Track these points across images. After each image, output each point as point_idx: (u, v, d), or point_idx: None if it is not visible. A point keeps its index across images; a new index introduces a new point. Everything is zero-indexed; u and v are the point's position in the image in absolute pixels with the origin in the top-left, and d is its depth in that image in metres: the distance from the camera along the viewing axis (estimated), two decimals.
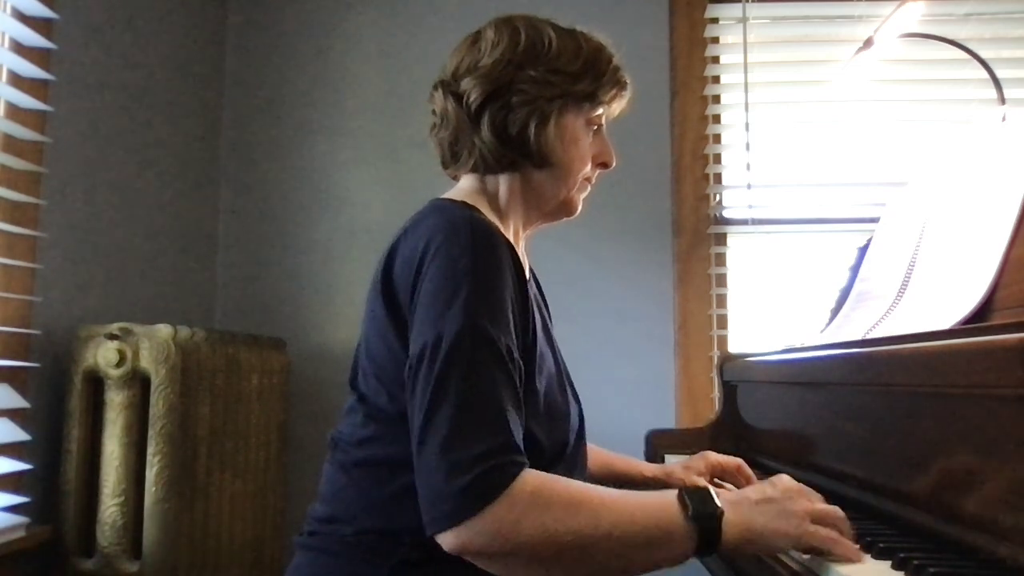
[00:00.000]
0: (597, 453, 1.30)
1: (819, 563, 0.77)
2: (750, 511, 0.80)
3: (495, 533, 0.76)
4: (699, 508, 0.78)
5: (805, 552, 0.80)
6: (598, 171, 1.11)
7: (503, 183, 1.05)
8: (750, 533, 0.79)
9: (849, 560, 0.76)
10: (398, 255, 0.92)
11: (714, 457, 1.25)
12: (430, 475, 0.77)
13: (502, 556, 0.78)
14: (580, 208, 1.11)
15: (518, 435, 0.81)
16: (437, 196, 1.02)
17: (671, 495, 0.80)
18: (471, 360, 0.80)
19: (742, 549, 0.79)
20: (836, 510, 0.81)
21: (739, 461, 1.24)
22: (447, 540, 0.77)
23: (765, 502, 0.81)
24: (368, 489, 0.92)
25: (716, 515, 0.78)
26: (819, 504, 0.81)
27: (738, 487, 1.14)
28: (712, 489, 0.81)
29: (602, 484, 1.21)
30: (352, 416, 0.97)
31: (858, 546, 0.79)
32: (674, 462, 1.27)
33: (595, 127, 1.08)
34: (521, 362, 0.87)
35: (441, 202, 0.98)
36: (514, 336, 0.86)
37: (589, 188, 1.10)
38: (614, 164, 1.11)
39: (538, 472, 0.80)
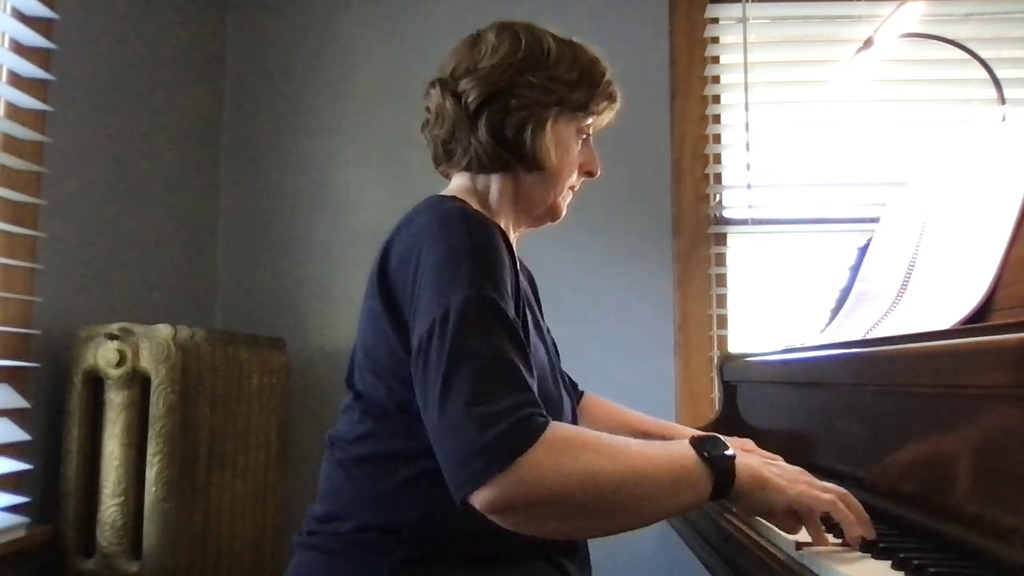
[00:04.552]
0: (631, 418, 1.33)
1: (818, 561, 0.77)
2: (759, 463, 0.86)
3: (535, 480, 0.75)
4: (713, 451, 0.83)
5: (794, 513, 0.83)
6: (583, 179, 1.14)
7: (494, 184, 1.07)
8: (758, 480, 0.83)
9: (846, 526, 0.80)
10: (393, 252, 0.93)
11: (751, 447, 1.22)
12: (457, 435, 0.76)
13: (541, 505, 0.77)
14: (564, 214, 1.14)
15: (536, 395, 0.82)
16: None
17: (684, 442, 0.84)
18: (481, 325, 0.81)
19: (747, 497, 0.83)
20: (837, 488, 0.84)
21: (779, 459, 1.21)
22: (482, 497, 0.75)
23: (773, 463, 0.88)
24: (366, 485, 0.93)
25: (730, 456, 0.82)
26: (820, 481, 0.86)
27: None
28: (721, 437, 0.86)
29: None
30: (349, 414, 0.98)
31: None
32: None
33: (584, 136, 1.11)
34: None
35: (433, 199, 0.99)
36: (513, 308, 0.87)
37: (572, 196, 1.14)
38: (599, 173, 1.14)
39: (563, 423, 0.81)
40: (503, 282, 0.86)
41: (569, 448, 0.77)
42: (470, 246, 0.86)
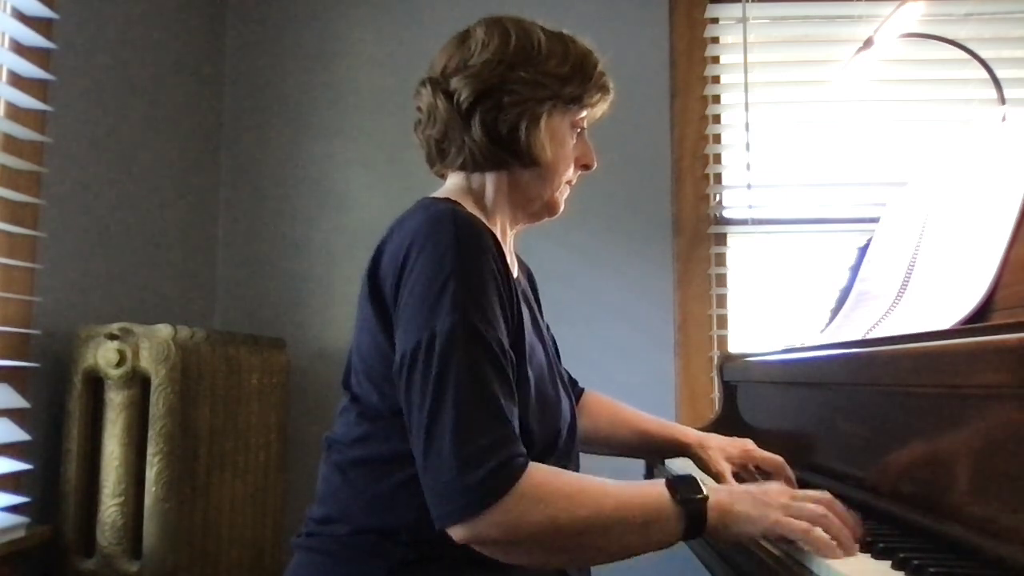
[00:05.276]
0: (631, 416, 1.33)
1: (818, 561, 0.77)
2: (730, 497, 0.86)
3: (505, 525, 0.80)
4: (686, 494, 0.84)
5: (778, 540, 0.83)
6: (579, 173, 1.13)
7: (489, 181, 1.06)
8: (727, 517, 0.84)
9: (822, 552, 0.78)
10: (384, 254, 0.93)
11: (751, 447, 1.24)
12: (439, 472, 0.80)
13: (510, 545, 0.82)
14: (562, 208, 1.13)
15: (517, 427, 0.85)
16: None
17: (661, 483, 0.86)
18: (466, 358, 0.83)
19: (721, 532, 0.85)
20: (816, 508, 0.82)
21: (780, 460, 1.20)
22: (457, 532, 0.81)
23: (745, 493, 0.87)
24: (363, 488, 0.93)
25: (701, 499, 0.84)
26: (799, 502, 0.83)
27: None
28: (697, 477, 0.87)
29: (633, 447, 1.32)
30: (345, 416, 0.98)
31: (856, 544, 0.80)
32: (714, 436, 1.27)
33: (578, 130, 1.10)
34: (512, 353, 0.89)
35: (426, 200, 0.99)
36: (503, 327, 0.88)
37: (569, 190, 1.13)
38: (595, 166, 1.13)
39: (540, 465, 0.84)
40: (489, 301, 0.87)
41: (540, 497, 0.81)
42: (458, 260, 0.86)
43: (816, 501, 0.83)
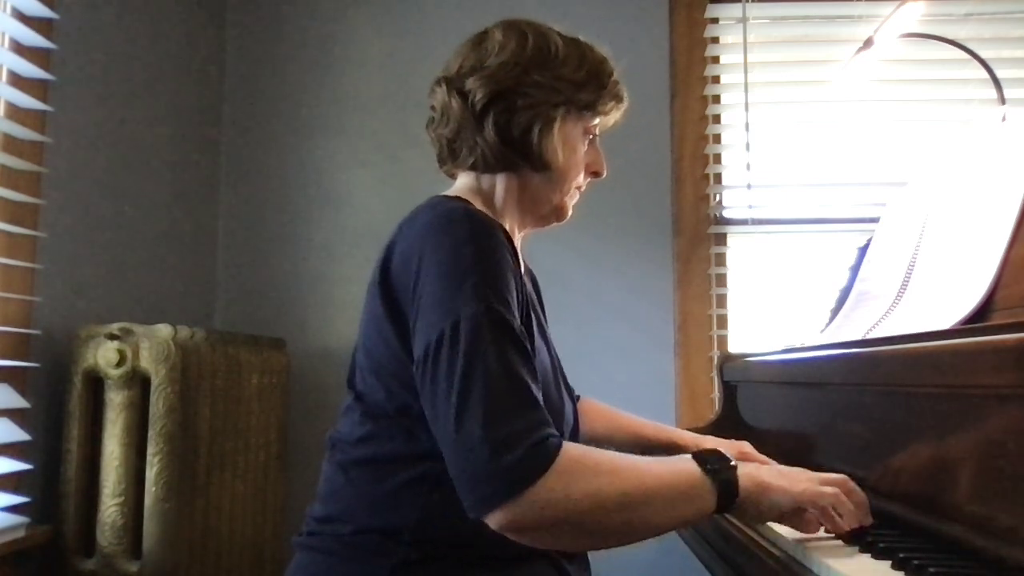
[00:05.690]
0: (627, 421, 1.35)
1: (818, 560, 0.77)
2: (758, 469, 0.87)
3: (546, 505, 0.77)
4: (715, 464, 0.84)
5: (808, 507, 0.84)
6: (589, 179, 1.13)
7: (499, 183, 1.06)
8: (760, 487, 0.84)
9: (847, 519, 0.83)
10: (395, 252, 0.93)
11: (748, 449, 1.26)
12: (472, 457, 0.77)
13: (553, 527, 0.80)
14: (570, 214, 1.13)
15: (544, 408, 0.83)
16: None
17: (687, 457, 0.86)
18: (492, 341, 0.81)
19: (753, 504, 0.84)
20: (840, 476, 0.87)
21: (772, 462, 1.22)
22: (497, 519, 0.78)
23: (770, 467, 0.91)
24: (366, 487, 0.93)
25: (731, 468, 0.84)
26: (821, 474, 0.88)
27: None
28: (723, 449, 0.88)
29: (630, 451, 1.31)
30: (350, 415, 0.98)
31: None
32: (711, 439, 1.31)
33: (590, 136, 1.10)
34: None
35: (436, 199, 0.99)
36: (519, 319, 0.88)
37: (578, 196, 1.13)
38: (605, 174, 1.13)
39: (574, 443, 0.83)
40: (508, 290, 0.87)
41: (580, 472, 0.79)
42: (475, 251, 0.86)
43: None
